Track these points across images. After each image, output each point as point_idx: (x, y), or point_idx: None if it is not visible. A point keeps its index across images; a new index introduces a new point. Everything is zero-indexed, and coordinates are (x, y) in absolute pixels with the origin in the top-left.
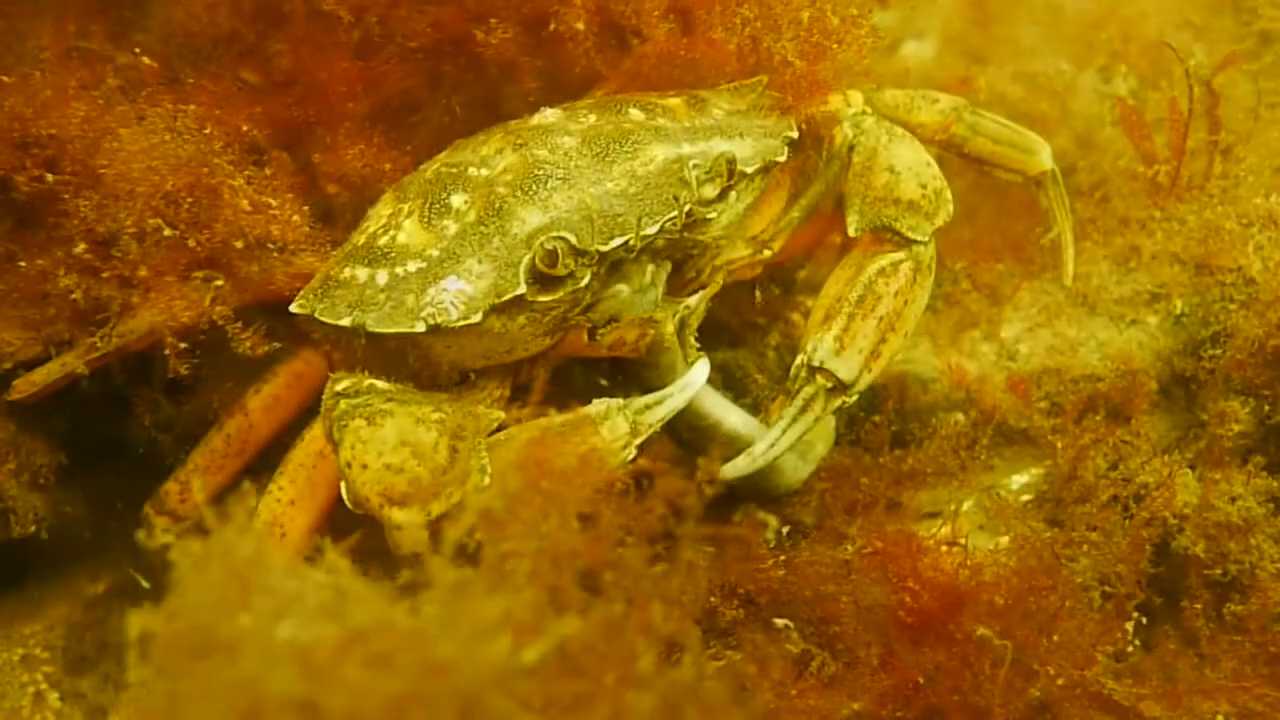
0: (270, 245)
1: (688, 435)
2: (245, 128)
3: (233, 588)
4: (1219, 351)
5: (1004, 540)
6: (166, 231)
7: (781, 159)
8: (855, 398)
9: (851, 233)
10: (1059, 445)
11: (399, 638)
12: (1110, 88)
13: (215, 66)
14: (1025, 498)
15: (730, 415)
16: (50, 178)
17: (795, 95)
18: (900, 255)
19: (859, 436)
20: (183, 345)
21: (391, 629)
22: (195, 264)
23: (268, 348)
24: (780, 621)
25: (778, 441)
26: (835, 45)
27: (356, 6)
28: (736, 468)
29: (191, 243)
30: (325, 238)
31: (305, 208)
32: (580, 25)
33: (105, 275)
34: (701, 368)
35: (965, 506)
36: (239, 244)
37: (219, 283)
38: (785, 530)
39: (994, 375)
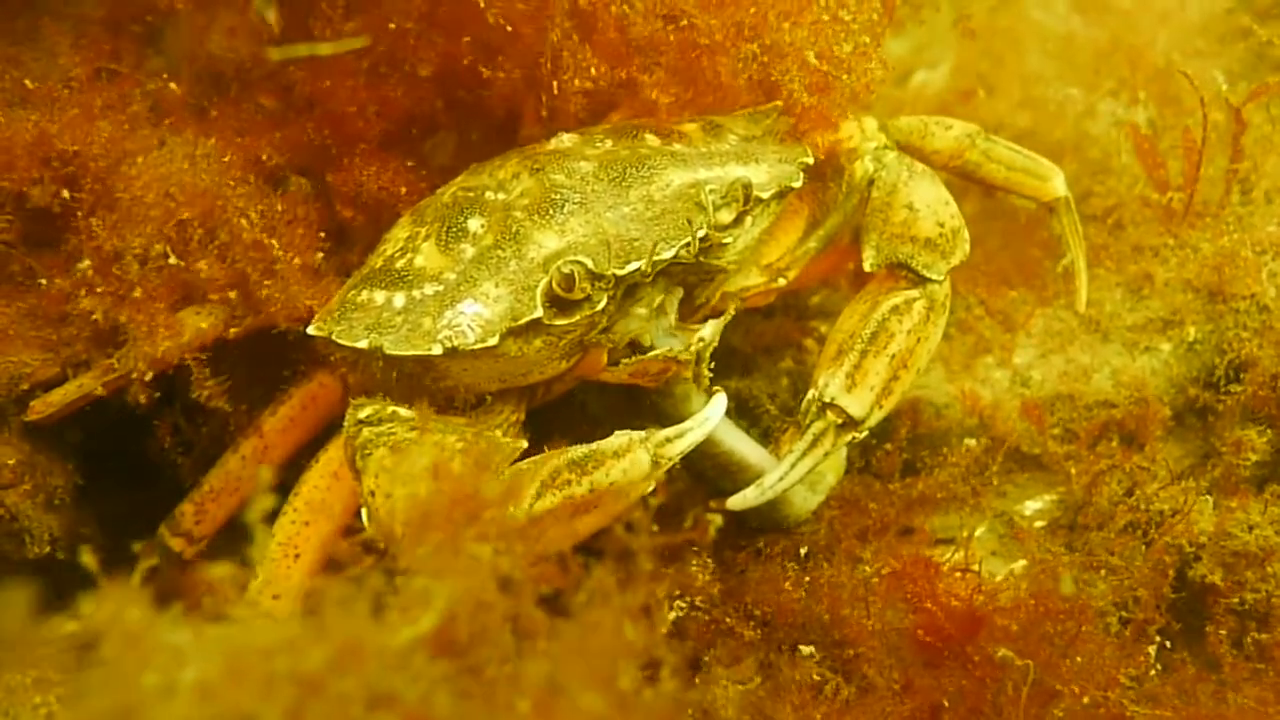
0: (269, 282)
1: (699, 464)
2: (265, 155)
3: (129, 654)
4: (1238, 388)
5: (1018, 566)
6: (173, 260)
7: (797, 184)
8: (866, 434)
9: (867, 268)
10: (1073, 471)
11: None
12: (1124, 115)
13: (235, 91)
14: (1039, 523)
15: (742, 446)
16: (66, 194)
17: (810, 122)
18: (914, 293)
19: (869, 464)
20: (149, 376)
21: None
22: (190, 296)
23: (222, 403)
24: (806, 649)
25: (786, 475)
26: (844, 75)
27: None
28: (745, 499)
29: (204, 272)
30: (329, 280)
31: (314, 243)
32: (589, 84)
33: (99, 290)
34: (720, 402)
35: (978, 532)
36: (243, 275)
37: (199, 306)
38: (804, 551)
39: (1007, 401)
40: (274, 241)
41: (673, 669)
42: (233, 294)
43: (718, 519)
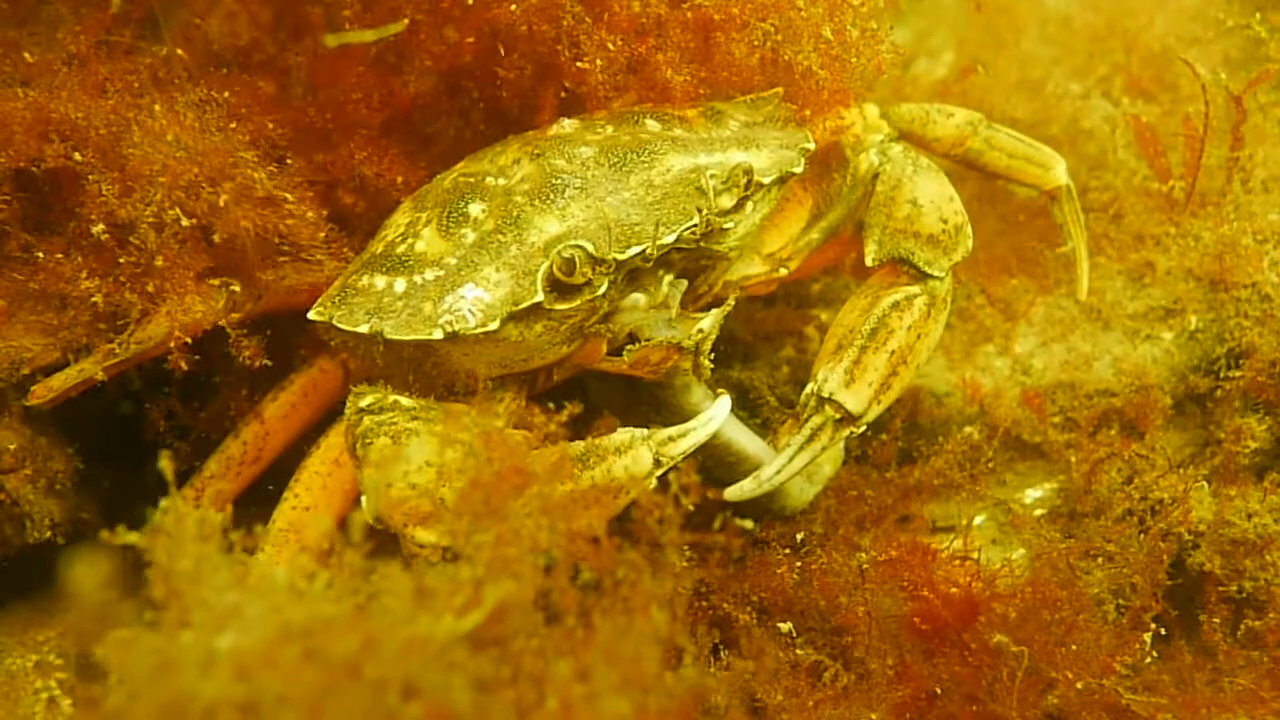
0: (282, 241)
1: (696, 453)
2: (270, 125)
3: (173, 606)
4: (1238, 374)
5: (1017, 554)
6: (185, 221)
7: (798, 170)
8: (864, 428)
9: (869, 262)
10: (1073, 459)
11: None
12: (1123, 104)
13: (234, 75)
14: (1038, 512)
15: (741, 437)
16: (78, 156)
17: (815, 107)
18: (915, 289)
19: (866, 453)
20: (188, 340)
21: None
22: (211, 263)
23: (264, 361)
24: (784, 626)
25: (784, 469)
26: (854, 58)
27: (372, 26)
28: (742, 490)
29: (216, 237)
30: (341, 240)
31: (324, 211)
32: (599, 67)
33: (122, 261)
34: (724, 403)
35: (978, 521)
36: (254, 236)
37: (235, 287)
38: (800, 536)
39: (1008, 389)
40: (288, 194)
41: (694, 656)
42: (216, 280)
43: (748, 523)
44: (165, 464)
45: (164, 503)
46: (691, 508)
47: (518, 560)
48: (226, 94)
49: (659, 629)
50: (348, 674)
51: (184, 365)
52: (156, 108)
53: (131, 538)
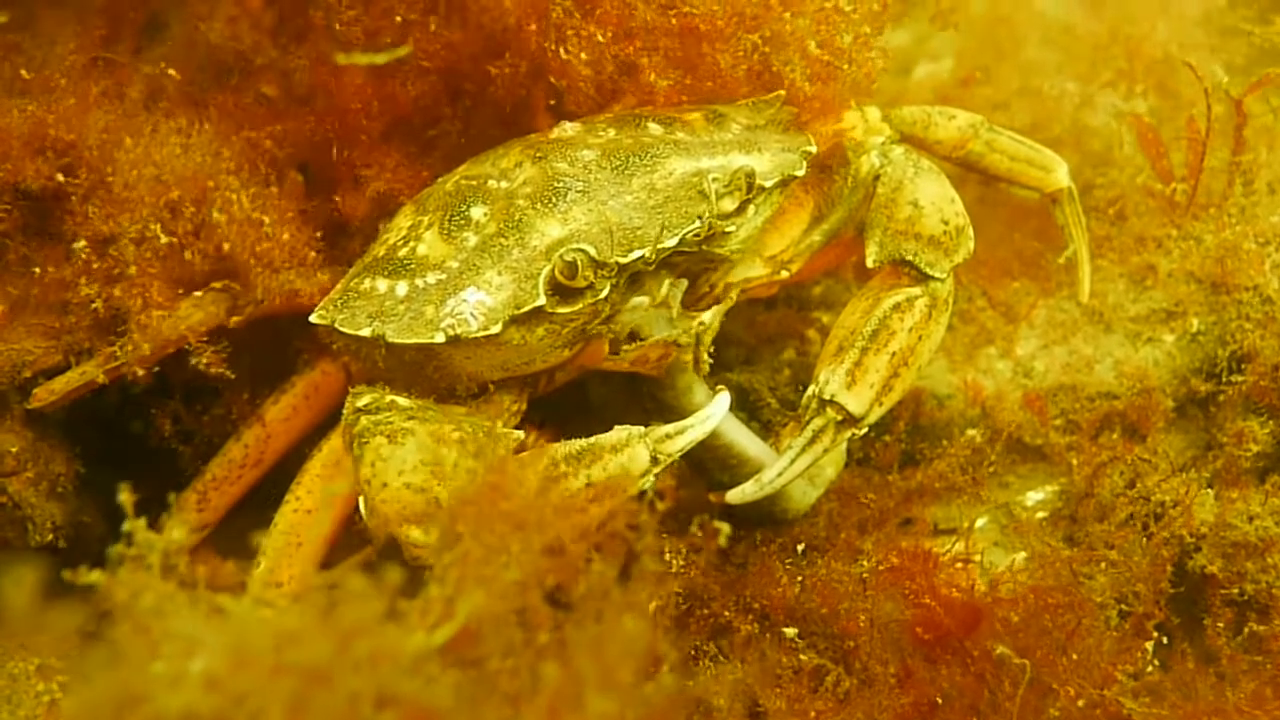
0: (256, 261)
1: (698, 456)
2: (268, 144)
3: (140, 641)
4: (1240, 379)
5: (1020, 557)
6: (164, 239)
7: (800, 173)
8: (866, 430)
9: (870, 264)
10: (1075, 462)
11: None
12: (1126, 106)
13: (237, 80)
14: (1040, 515)
15: (742, 439)
16: (60, 178)
17: (808, 114)
18: (916, 291)
19: (868, 456)
20: (147, 349)
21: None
22: (187, 275)
23: (224, 371)
24: (790, 631)
25: (785, 471)
26: (846, 65)
27: (370, 29)
28: (744, 493)
29: (188, 255)
30: (316, 260)
31: (316, 231)
32: (584, 60)
33: (95, 268)
34: (723, 400)
35: (980, 523)
36: (230, 254)
37: (200, 293)
38: (801, 547)
39: (1010, 392)
40: (265, 217)
41: (672, 665)
42: (218, 284)
43: (726, 527)
44: (125, 497)
45: (117, 548)
46: (694, 521)
47: (496, 578)
48: (208, 125)
49: (636, 637)
50: (318, 683)
51: (141, 372)
52: (128, 139)
53: (94, 576)
